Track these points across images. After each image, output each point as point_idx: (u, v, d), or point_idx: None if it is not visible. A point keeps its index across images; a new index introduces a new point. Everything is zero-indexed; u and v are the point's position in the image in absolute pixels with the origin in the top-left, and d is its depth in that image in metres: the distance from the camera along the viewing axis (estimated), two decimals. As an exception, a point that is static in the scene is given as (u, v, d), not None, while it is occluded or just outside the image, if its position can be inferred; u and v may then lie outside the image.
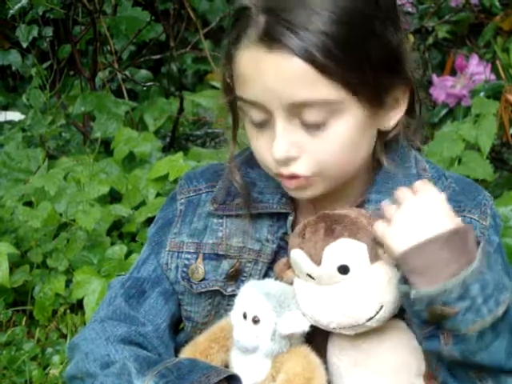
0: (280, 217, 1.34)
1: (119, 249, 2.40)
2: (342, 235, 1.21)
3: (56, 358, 2.21)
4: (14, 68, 3.87)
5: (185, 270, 1.37)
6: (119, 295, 1.37)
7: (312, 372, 1.22)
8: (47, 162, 2.81)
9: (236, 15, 1.24)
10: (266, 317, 1.23)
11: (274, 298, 1.24)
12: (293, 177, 1.25)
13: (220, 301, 1.37)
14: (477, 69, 2.74)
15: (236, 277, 1.35)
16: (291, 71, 1.17)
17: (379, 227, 1.18)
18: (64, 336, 2.30)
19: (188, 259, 1.37)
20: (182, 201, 1.40)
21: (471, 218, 1.31)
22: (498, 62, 2.78)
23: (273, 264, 1.33)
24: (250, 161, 1.34)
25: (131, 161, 2.82)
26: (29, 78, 3.52)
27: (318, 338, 1.27)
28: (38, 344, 2.27)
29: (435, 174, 1.35)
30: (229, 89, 1.27)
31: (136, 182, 2.63)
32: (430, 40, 3.24)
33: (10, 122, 3.49)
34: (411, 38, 3.16)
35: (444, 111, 2.76)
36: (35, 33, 3.00)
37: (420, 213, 1.17)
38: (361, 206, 1.30)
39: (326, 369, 1.26)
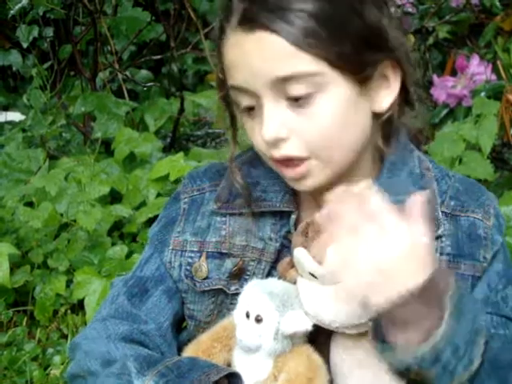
0: (283, 215, 1.34)
1: (120, 249, 2.41)
2: (345, 234, 1.21)
3: (57, 359, 2.20)
4: (14, 68, 3.88)
5: (188, 268, 1.37)
6: (122, 294, 1.38)
7: (314, 372, 1.22)
8: (48, 163, 2.81)
9: (221, 8, 1.27)
10: (269, 316, 1.22)
11: (277, 298, 1.24)
12: (288, 161, 1.25)
13: (223, 299, 1.37)
14: (477, 69, 2.73)
15: (239, 275, 1.35)
16: (271, 49, 1.20)
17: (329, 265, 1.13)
18: (65, 336, 2.30)
19: (191, 257, 1.37)
20: (186, 200, 1.40)
21: (475, 218, 1.31)
22: (498, 62, 2.78)
23: (276, 263, 1.33)
24: (252, 160, 1.35)
25: (132, 161, 2.82)
26: (29, 78, 3.53)
27: (320, 338, 1.27)
28: (38, 344, 2.27)
29: (438, 173, 1.35)
30: (222, 83, 1.30)
31: (137, 183, 2.63)
32: (431, 40, 3.24)
33: (10, 123, 3.50)
34: (412, 38, 3.16)
35: (445, 111, 2.75)
36: (36, 33, 3.00)
37: (396, 258, 1.09)
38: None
39: (329, 369, 1.25)
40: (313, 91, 1.21)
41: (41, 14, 2.92)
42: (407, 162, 1.33)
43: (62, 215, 2.50)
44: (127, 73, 3.27)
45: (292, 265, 1.27)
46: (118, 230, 2.57)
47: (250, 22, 1.21)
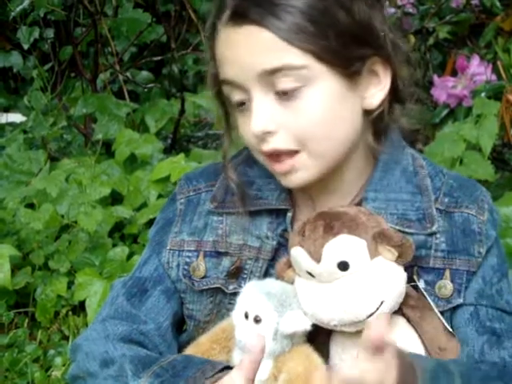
0: (279, 214, 1.35)
1: (121, 250, 2.40)
2: (342, 232, 1.22)
3: (58, 360, 2.20)
4: (15, 70, 3.88)
5: (186, 267, 1.38)
6: (121, 294, 1.38)
7: (313, 372, 1.22)
8: (49, 164, 2.81)
9: (214, 6, 1.30)
10: (268, 316, 1.23)
11: (275, 298, 1.24)
12: (277, 156, 1.27)
13: (222, 299, 1.37)
14: (478, 69, 2.73)
15: (237, 274, 1.35)
16: (259, 43, 1.23)
17: None
18: (66, 338, 2.29)
19: (189, 257, 1.38)
20: (182, 200, 1.41)
21: (469, 214, 1.32)
22: (498, 63, 2.78)
23: (273, 261, 1.33)
24: (248, 159, 1.36)
25: (132, 162, 2.83)
26: (30, 79, 3.53)
27: (320, 338, 1.27)
28: (40, 346, 2.26)
29: (432, 170, 1.36)
30: (215, 80, 1.31)
31: (137, 184, 2.63)
32: (431, 41, 3.24)
33: (11, 124, 3.50)
34: (412, 38, 3.16)
35: (445, 112, 2.75)
36: (36, 34, 3.01)
37: None
38: (359, 204, 1.31)
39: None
40: (300, 85, 1.23)
41: (41, 15, 2.92)
42: (400, 160, 1.34)
43: (62, 217, 2.50)
44: (128, 74, 3.27)
45: (289, 265, 1.28)
46: (118, 231, 2.57)
47: (240, 17, 1.23)
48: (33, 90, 2.93)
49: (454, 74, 2.87)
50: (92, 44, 3.15)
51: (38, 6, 2.77)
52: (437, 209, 1.32)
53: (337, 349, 1.27)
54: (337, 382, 1.06)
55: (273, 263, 1.33)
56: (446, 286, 1.30)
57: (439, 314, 1.29)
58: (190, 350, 1.32)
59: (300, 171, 1.28)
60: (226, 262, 1.36)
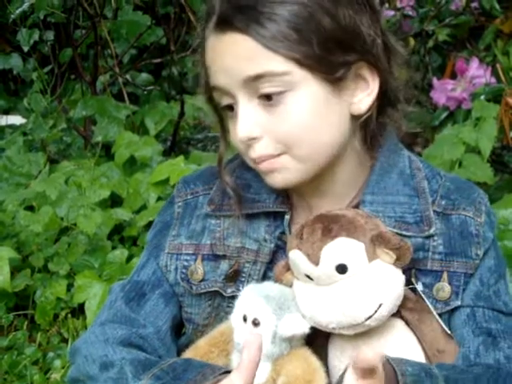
0: (277, 216, 1.35)
1: (120, 253, 2.41)
2: (340, 235, 1.21)
3: (57, 363, 2.20)
4: (15, 72, 3.89)
5: (184, 271, 1.38)
6: (119, 298, 1.38)
7: (312, 374, 1.22)
8: (48, 166, 2.82)
9: (204, 12, 1.31)
10: (266, 319, 1.23)
11: (273, 301, 1.24)
12: (262, 161, 1.28)
13: (220, 302, 1.37)
14: (477, 72, 2.74)
15: (235, 277, 1.35)
16: (242, 50, 1.24)
17: None
18: (65, 340, 2.30)
19: (187, 260, 1.38)
20: (180, 204, 1.41)
21: (466, 216, 1.32)
22: (498, 65, 2.78)
23: (271, 264, 1.33)
24: (245, 163, 1.36)
25: (132, 165, 2.83)
26: (30, 81, 3.54)
27: (318, 341, 1.27)
28: (39, 348, 2.27)
29: (429, 173, 1.36)
30: (207, 85, 1.32)
31: (137, 186, 2.64)
32: (431, 43, 3.24)
33: (11, 126, 3.51)
34: (411, 41, 3.17)
35: (444, 114, 2.76)
36: (36, 37, 3.01)
37: None
38: (356, 207, 1.31)
39: (327, 371, 1.25)
40: (284, 90, 1.24)
41: (41, 17, 2.93)
42: (397, 163, 1.34)
43: (62, 219, 2.51)
44: (127, 76, 3.28)
45: (288, 268, 1.28)
46: (118, 233, 2.57)
47: (225, 25, 1.24)
48: (32, 92, 2.93)
49: (453, 76, 2.88)
50: (92, 46, 3.15)
51: (38, 9, 2.77)
52: (434, 211, 1.32)
53: (335, 352, 1.27)
54: None
55: (271, 266, 1.33)
56: (444, 288, 1.30)
57: (437, 317, 1.29)
58: (188, 354, 1.32)
59: (282, 172, 1.29)
60: (224, 266, 1.36)
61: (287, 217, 1.34)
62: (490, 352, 1.28)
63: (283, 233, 1.34)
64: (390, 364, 1.17)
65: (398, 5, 3.32)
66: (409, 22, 3.28)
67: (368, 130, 1.32)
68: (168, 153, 3.05)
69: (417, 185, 1.33)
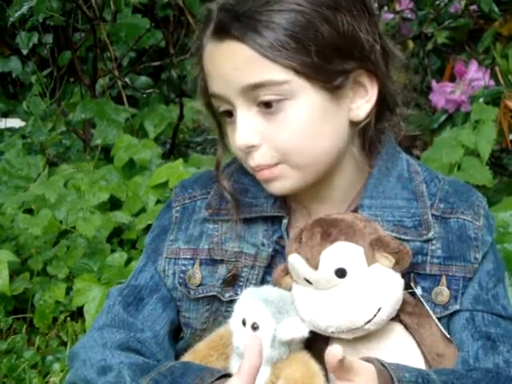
0: (274, 221, 1.35)
1: (119, 256, 2.40)
2: (339, 239, 1.22)
3: (56, 366, 2.20)
4: (14, 75, 3.89)
5: (182, 275, 1.38)
6: (117, 303, 1.38)
7: (311, 378, 1.22)
8: (47, 169, 2.81)
9: (201, 19, 1.30)
10: (265, 323, 1.23)
11: (272, 305, 1.24)
12: (261, 169, 1.28)
13: (218, 307, 1.37)
14: (476, 75, 2.74)
15: (233, 282, 1.35)
16: (239, 58, 1.23)
17: None
18: (64, 344, 2.29)
19: (185, 265, 1.38)
20: (178, 208, 1.41)
21: (464, 220, 1.32)
22: (497, 68, 2.78)
23: (269, 268, 1.34)
24: (242, 167, 1.36)
25: (131, 168, 2.82)
26: (29, 85, 3.54)
27: (317, 345, 1.27)
28: (38, 352, 2.26)
29: (428, 176, 1.36)
30: (205, 91, 1.32)
31: (136, 189, 2.63)
32: (429, 46, 3.25)
33: (10, 129, 3.50)
34: (410, 43, 3.17)
35: (443, 117, 2.76)
36: (35, 40, 3.01)
37: None
38: (355, 211, 1.31)
39: (326, 375, 1.25)
40: (282, 98, 1.24)
41: (40, 20, 2.92)
42: (395, 166, 1.34)
43: (61, 222, 2.50)
44: (127, 79, 3.27)
45: (287, 271, 1.28)
46: (117, 236, 2.57)
47: (223, 33, 1.24)
48: (32, 95, 2.93)
49: (452, 79, 2.88)
50: (91, 49, 3.15)
51: (37, 12, 2.77)
52: (432, 215, 1.32)
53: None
54: None
55: (269, 270, 1.33)
56: (443, 292, 1.30)
57: (437, 321, 1.29)
58: (187, 357, 1.32)
59: (281, 180, 1.29)
60: (222, 270, 1.36)
61: (285, 221, 1.34)
62: (489, 356, 1.28)
63: (281, 237, 1.34)
64: (386, 370, 1.17)
65: (397, 8, 3.33)
66: (408, 24, 3.28)
67: (366, 137, 1.32)
68: (167, 156, 3.05)
69: (415, 188, 1.33)
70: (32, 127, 2.87)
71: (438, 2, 3.15)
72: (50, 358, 2.23)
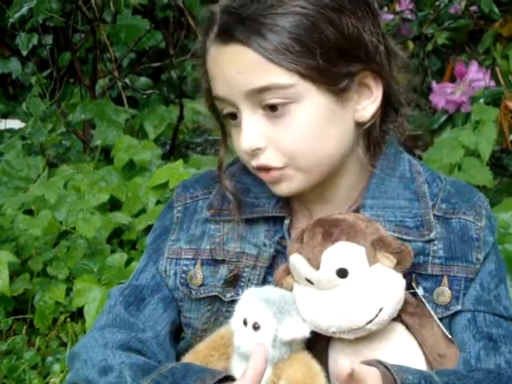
0: (276, 221, 1.35)
1: (119, 257, 2.40)
2: (340, 239, 1.22)
3: (56, 367, 2.20)
4: (14, 76, 3.88)
5: (183, 276, 1.37)
6: (118, 303, 1.38)
7: (312, 379, 1.22)
8: (47, 170, 2.81)
9: (205, 22, 1.30)
10: (267, 323, 1.22)
11: (273, 305, 1.24)
12: (266, 169, 1.28)
13: (219, 307, 1.37)
14: (476, 75, 2.74)
15: (234, 282, 1.35)
16: (244, 62, 1.23)
17: None
18: (64, 344, 2.29)
19: (186, 265, 1.38)
20: (179, 208, 1.41)
21: (466, 220, 1.32)
22: (497, 69, 2.78)
23: (271, 269, 1.33)
24: (245, 167, 1.36)
25: (131, 168, 2.82)
26: (29, 86, 3.54)
27: (319, 345, 1.27)
28: (38, 352, 2.26)
29: (429, 176, 1.36)
30: (208, 93, 1.32)
31: (136, 190, 2.63)
32: (430, 47, 3.25)
33: (10, 130, 3.50)
34: (411, 44, 3.17)
35: (443, 118, 2.76)
36: (35, 41, 3.01)
37: None
38: (357, 212, 1.31)
39: (327, 376, 1.25)
40: (287, 101, 1.24)
41: (40, 22, 2.92)
42: (397, 167, 1.34)
43: (61, 223, 2.50)
44: (126, 80, 3.27)
45: (288, 272, 1.28)
46: (117, 237, 2.57)
47: (227, 36, 1.23)
48: (31, 96, 2.93)
49: (452, 80, 2.88)
50: (91, 50, 3.15)
51: (37, 13, 2.76)
52: (434, 215, 1.32)
53: (336, 356, 1.27)
54: None
55: (270, 271, 1.33)
56: (444, 292, 1.30)
57: (438, 321, 1.29)
58: (188, 357, 1.31)
59: (287, 182, 1.29)
60: (223, 270, 1.36)
61: (287, 221, 1.34)
62: (490, 357, 1.28)
63: (283, 237, 1.34)
64: (390, 372, 1.17)
65: (397, 8, 3.32)
66: (408, 25, 3.28)
67: (371, 138, 1.32)
68: (167, 156, 3.05)
69: (417, 189, 1.33)
70: (32, 128, 2.87)
71: (438, 3, 3.15)
72: (50, 358, 2.22)
